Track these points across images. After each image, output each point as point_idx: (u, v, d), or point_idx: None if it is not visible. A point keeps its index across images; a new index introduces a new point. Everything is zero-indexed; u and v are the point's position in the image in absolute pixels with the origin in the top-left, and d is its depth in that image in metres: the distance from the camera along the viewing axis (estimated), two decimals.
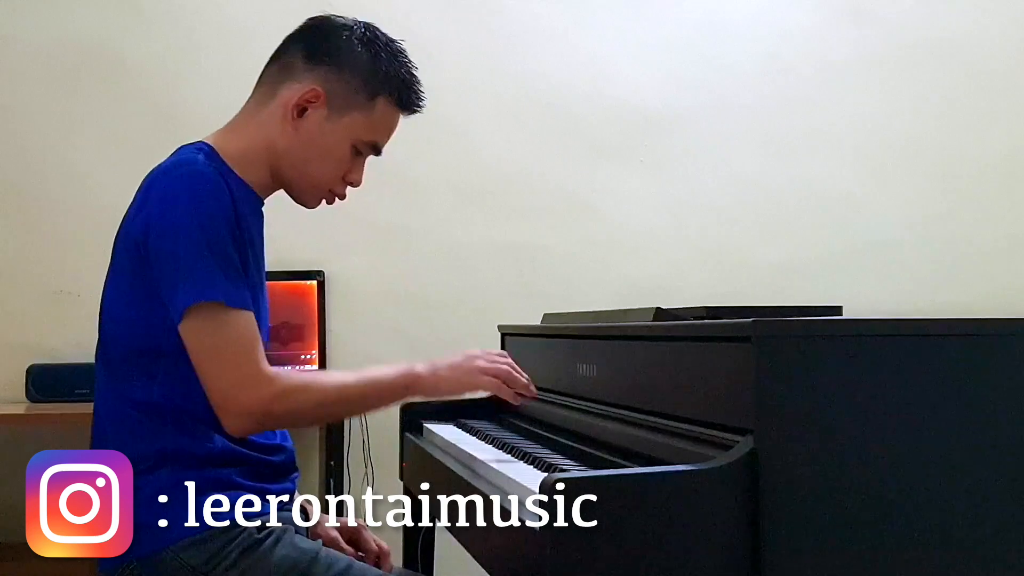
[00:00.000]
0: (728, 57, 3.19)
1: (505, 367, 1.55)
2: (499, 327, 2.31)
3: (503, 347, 2.26)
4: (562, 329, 1.88)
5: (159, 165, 1.44)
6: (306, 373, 1.42)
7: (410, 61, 1.53)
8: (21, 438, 2.80)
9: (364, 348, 2.96)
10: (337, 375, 1.45)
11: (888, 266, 3.20)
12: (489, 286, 3.03)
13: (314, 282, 2.85)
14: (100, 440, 1.43)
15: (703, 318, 1.47)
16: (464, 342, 2.94)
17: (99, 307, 1.47)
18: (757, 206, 3.18)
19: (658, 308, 1.49)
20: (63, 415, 2.51)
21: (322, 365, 2.84)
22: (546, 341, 1.98)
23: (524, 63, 3.09)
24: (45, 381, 2.65)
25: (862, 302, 3.09)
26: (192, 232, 1.33)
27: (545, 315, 2.15)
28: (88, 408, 2.44)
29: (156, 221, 1.35)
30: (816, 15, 3.24)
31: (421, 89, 1.53)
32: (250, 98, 1.53)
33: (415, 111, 1.54)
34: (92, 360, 2.63)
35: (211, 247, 1.33)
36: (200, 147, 1.44)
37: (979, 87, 3.28)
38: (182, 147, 1.48)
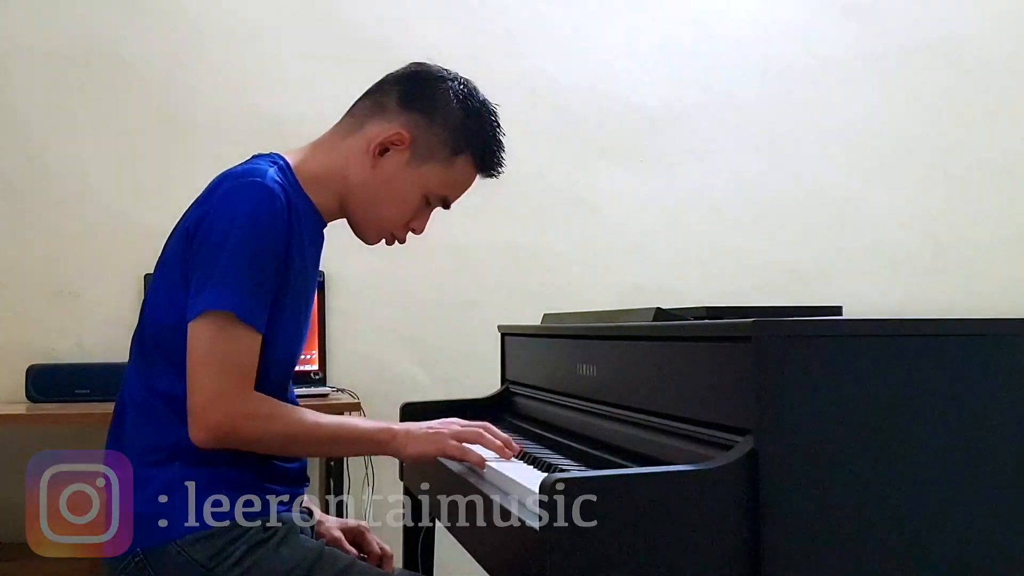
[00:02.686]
0: (728, 57, 3.19)
1: (475, 433, 1.49)
2: (499, 327, 2.31)
3: (503, 347, 2.26)
4: (562, 329, 1.88)
5: (230, 168, 1.45)
6: (285, 405, 1.42)
7: (500, 126, 1.55)
8: (21, 438, 2.80)
9: (364, 348, 2.96)
10: (315, 414, 1.43)
11: (888, 266, 3.21)
12: (489, 286, 3.03)
13: None
14: (119, 425, 1.44)
15: (703, 318, 1.47)
16: (464, 342, 2.97)
17: (144, 293, 1.47)
18: (757, 206, 3.18)
19: (658, 308, 1.49)
20: (63, 415, 2.50)
21: (322, 365, 2.84)
22: (546, 341, 1.98)
23: (524, 63, 3.09)
24: (45, 381, 2.64)
25: (862, 302, 3.09)
26: (237, 242, 1.33)
27: (545, 315, 2.15)
28: (88, 408, 2.47)
29: (209, 220, 1.36)
30: (815, 15, 3.24)
31: (504, 156, 1.55)
32: (337, 124, 1.55)
33: (492, 176, 1.56)
34: (92, 360, 2.66)
35: (251, 261, 1.34)
36: (274, 159, 1.46)
37: (978, 86, 3.28)
38: (257, 156, 1.49)
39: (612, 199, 3.12)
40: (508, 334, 2.26)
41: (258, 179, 1.38)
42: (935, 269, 3.21)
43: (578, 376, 1.71)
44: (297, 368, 2.77)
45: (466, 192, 1.58)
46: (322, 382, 2.81)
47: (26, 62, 2.85)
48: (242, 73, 2.94)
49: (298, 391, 2.59)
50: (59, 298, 2.83)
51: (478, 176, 1.56)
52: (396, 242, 1.58)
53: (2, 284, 2.82)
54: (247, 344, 1.35)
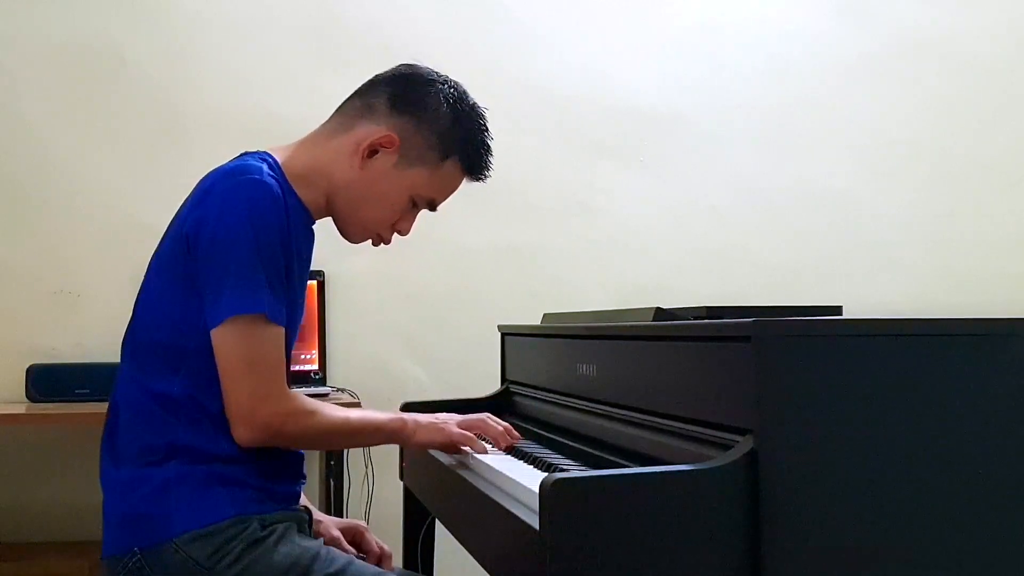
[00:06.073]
0: (728, 57, 3.19)
1: (479, 420, 1.58)
2: (499, 327, 2.31)
3: (503, 347, 2.26)
4: (562, 329, 1.88)
5: (220, 166, 1.44)
6: (316, 401, 1.45)
7: (488, 130, 1.55)
8: (21, 438, 2.80)
9: (364, 348, 2.96)
10: (340, 408, 1.47)
11: (888, 266, 3.21)
12: (489, 286, 3.03)
13: (314, 282, 2.85)
14: (113, 427, 1.44)
15: (703, 318, 1.47)
16: (464, 342, 2.97)
17: (137, 293, 1.47)
18: (757, 206, 3.18)
19: (658, 308, 1.49)
20: (63, 415, 2.50)
21: (322, 365, 2.84)
22: (546, 341, 1.98)
23: (525, 63, 3.09)
24: (45, 381, 2.65)
25: (862, 302, 3.09)
26: (245, 241, 1.34)
27: (545, 315, 2.15)
28: (88, 408, 2.47)
29: (211, 224, 1.36)
30: (816, 15, 3.24)
31: (491, 159, 1.56)
32: (326, 123, 1.55)
33: (480, 180, 1.57)
34: (92, 360, 2.66)
35: (262, 258, 1.34)
36: (264, 157, 1.45)
37: (979, 87, 3.28)
38: (246, 153, 1.48)
39: (612, 199, 3.12)
40: (508, 334, 2.26)
41: (255, 176, 1.38)
42: (935, 269, 3.22)
43: (578, 376, 1.71)
44: (297, 368, 2.81)
45: (453, 194, 1.58)
46: (322, 382, 2.81)
47: (26, 62, 2.85)
48: (242, 73, 2.94)
49: (298, 391, 2.60)
50: (59, 298, 2.83)
51: (465, 179, 1.56)
52: (381, 243, 1.58)
53: (2, 284, 2.82)
54: (276, 342, 1.37)
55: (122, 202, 2.84)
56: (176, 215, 1.46)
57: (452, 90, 1.53)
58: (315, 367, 2.83)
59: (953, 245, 3.23)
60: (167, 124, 2.89)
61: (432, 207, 1.57)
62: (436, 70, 1.56)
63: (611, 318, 1.73)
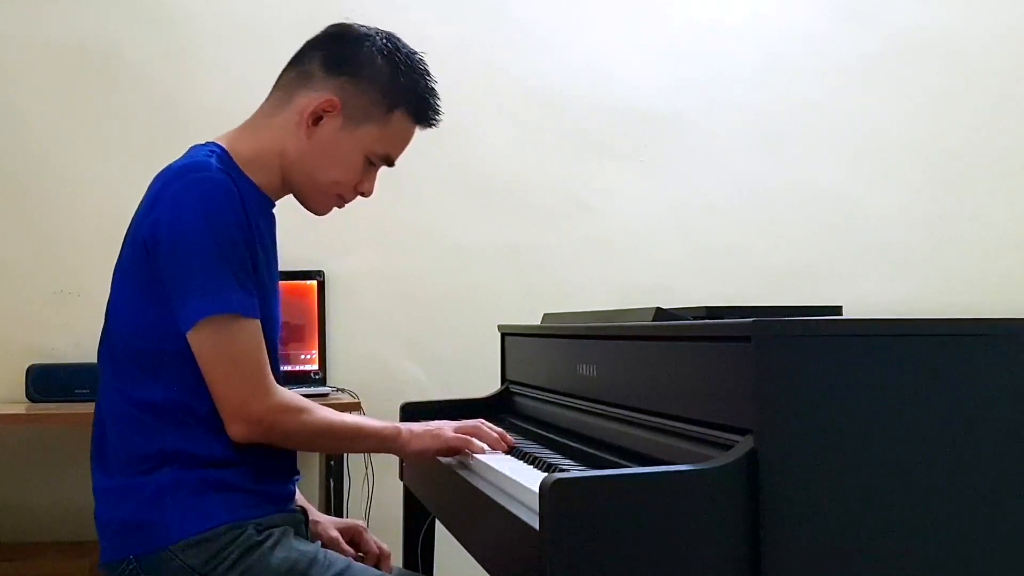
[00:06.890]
0: (728, 57, 3.19)
1: (473, 426, 1.58)
2: (499, 327, 2.31)
3: (503, 347, 2.26)
4: (562, 329, 1.88)
5: (170, 165, 1.42)
6: (309, 400, 1.44)
7: (429, 74, 1.53)
8: (21, 438, 2.80)
9: (364, 348, 2.96)
10: (333, 411, 1.46)
11: (888, 266, 3.21)
12: (489, 286, 3.03)
13: (314, 282, 2.85)
14: (101, 438, 1.43)
15: (703, 318, 1.47)
16: (464, 342, 2.98)
17: (106, 303, 1.46)
18: (757, 206, 3.18)
19: (658, 308, 1.49)
20: (63, 415, 2.50)
21: (322, 365, 2.84)
22: (546, 341, 1.98)
23: (525, 62, 3.09)
24: (45, 381, 2.65)
25: (862, 302, 3.09)
26: (204, 240, 1.32)
27: (545, 315, 2.15)
28: (88, 408, 2.46)
29: (167, 227, 1.34)
30: (816, 15, 3.24)
31: (438, 103, 1.53)
32: (266, 101, 1.53)
33: (431, 125, 1.54)
34: (92, 360, 2.64)
35: (224, 255, 1.33)
36: (212, 149, 1.43)
37: (979, 86, 3.28)
38: (194, 147, 1.47)
39: (612, 199, 3.12)
40: (508, 334, 2.26)
41: (205, 173, 1.36)
42: (935, 269, 3.22)
43: (578, 376, 1.71)
44: (297, 368, 2.81)
45: (408, 146, 1.56)
46: (322, 382, 2.81)
47: (26, 62, 2.85)
48: (242, 72, 2.94)
49: (298, 391, 2.60)
50: (59, 298, 2.83)
51: (417, 128, 1.54)
52: (344, 203, 1.56)
53: (2, 284, 2.82)
54: (255, 335, 1.36)
55: (122, 202, 2.82)
56: (132, 220, 1.44)
57: (385, 42, 1.50)
58: (315, 367, 2.83)
59: (953, 245, 3.23)
60: (167, 124, 2.89)
61: (389, 163, 1.54)
62: (367, 25, 1.53)
63: (611, 318, 1.73)
